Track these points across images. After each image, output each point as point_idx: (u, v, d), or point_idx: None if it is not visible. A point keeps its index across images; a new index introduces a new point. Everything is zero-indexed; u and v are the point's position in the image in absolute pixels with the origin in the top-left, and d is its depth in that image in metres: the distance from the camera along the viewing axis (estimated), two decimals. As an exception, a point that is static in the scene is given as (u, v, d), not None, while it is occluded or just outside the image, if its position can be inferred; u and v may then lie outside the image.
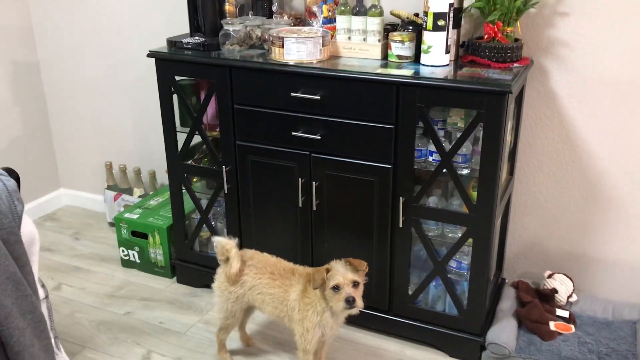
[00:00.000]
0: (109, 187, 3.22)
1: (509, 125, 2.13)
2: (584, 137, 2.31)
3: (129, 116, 3.18)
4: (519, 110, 2.30)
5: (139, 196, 3.15)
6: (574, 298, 2.38)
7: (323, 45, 2.20)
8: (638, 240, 2.35)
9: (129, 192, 3.19)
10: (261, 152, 2.33)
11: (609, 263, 2.43)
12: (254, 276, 2.06)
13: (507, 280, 2.53)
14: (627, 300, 2.39)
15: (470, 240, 2.13)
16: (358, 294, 1.89)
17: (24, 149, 3.30)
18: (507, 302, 2.36)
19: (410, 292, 2.31)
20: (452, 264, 2.27)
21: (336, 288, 1.87)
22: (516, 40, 2.14)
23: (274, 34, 2.21)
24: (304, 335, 1.99)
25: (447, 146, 2.07)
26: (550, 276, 2.42)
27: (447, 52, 2.11)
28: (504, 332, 2.19)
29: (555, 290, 2.36)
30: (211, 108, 2.45)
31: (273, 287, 2.03)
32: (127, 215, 2.83)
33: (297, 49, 2.17)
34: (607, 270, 2.45)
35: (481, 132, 1.97)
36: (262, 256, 2.14)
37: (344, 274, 1.87)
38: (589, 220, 2.41)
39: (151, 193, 3.14)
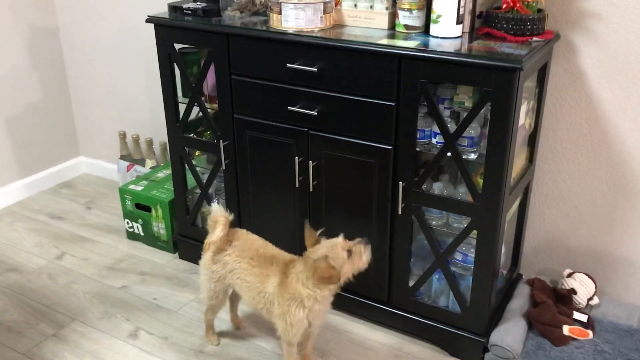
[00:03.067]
0: (122, 157, 3.17)
1: (525, 106, 1.90)
2: (614, 122, 2.05)
3: (144, 85, 3.10)
4: (542, 90, 2.06)
5: (151, 167, 3.08)
6: (595, 301, 2.16)
7: (325, 13, 2.03)
8: (672, 241, 2.10)
9: (142, 162, 3.12)
10: (259, 127, 2.19)
11: (638, 265, 2.18)
12: (235, 258, 1.94)
13: (523, 277, 2.32)
14: (656, 307, 2.15)
15: (475, 231, 1.94)
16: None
17: (43, 115, 3.29)
18: (519, 300, 2.16)
19: (411, 284, 2.14)
20: (458, 256, 2.08)
21: (349, 252, 1.78)
22: (539, 11, 1.90)
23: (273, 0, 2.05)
24: (287, 329, 1.86)
25: (453, 127, 1.87)
26: (570, 275, 2.19)
27: (460, 22, 1.90)
28: (509, 333, 2.00)
29: (573, 291, 2.14)
30: (212, 79, 2.33)
31: (250, 275, 1.91)
32: (132, 186, 2.77)
33: (296, 16, 2.00)
34: (635, 273, 2.20)
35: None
36: (249, 238, 2.01)
37: (339, 242, 1.79)
38: (617, 216, 2.16)
39: (162, 165, 3.06)
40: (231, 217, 1.98)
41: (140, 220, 2.76)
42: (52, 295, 2.45)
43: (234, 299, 2.20)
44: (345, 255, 1.78)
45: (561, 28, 2.02)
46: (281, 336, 1.90)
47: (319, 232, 1.85)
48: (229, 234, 1.99)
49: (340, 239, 1.80)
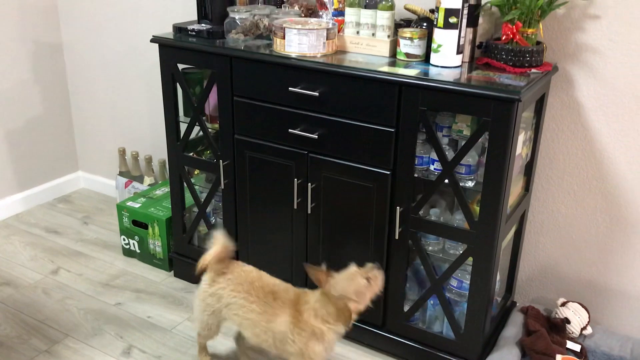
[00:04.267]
0: (120, 173, 3.18)
1: (523, 136, 1.93)
2: (610, 154, 2.08)
3: (145, 102, 3.13)
4: (539, 120, 2.09)
5: (149, 184, 3.10)
6: (589, 331, 2.16)
7: (328, 39, 2.06)
8: (665, 273, 2.12)
9: (140, 179, 3.13)
10: (259, 148, 2.21)
11: (632, 296, 2.20)
12: (230, 292, 1.90)
13: (517, 304, 2.32)
14: (649, 338, 2.16)
15: (471, 258, 1.95)
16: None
17: (43, 129, 3.30)
18: (513, 328, 2.17)
19: (406, 309, 2.14)
20: (453, 282, 2.09)
21: (367, 279, 1.78)
22: (538, 43, 1.94)
23: (277, 24, 2.08)
24: None
25: (451, 155, 1.90)
26: (564, 304, 2.20)
27: (460, 52, 1.93)
28: (503, 361, 2.00)
29: (567, 320, 2.15)
30: (214, 99, 2.35)
31: (251, 312, 1.86)
32: (129, 203, 2.77)
33: (299, 41, 2.03)
34: (629, 304, 2.21)
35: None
36: (243, 270, 1.95)
37: (357, 271, 1.80)
38: (612, 247, 2.18)
39: (160, 182, 3.08)
40: (232, 246, 1.94)
41: (136, 237, 2.77)
42: (46, 310, 2.44)
43: (240, 341, 2.14)
44: (366, 283, 1.77)
45: (559, 60, 2.06)
46: None
47: (322, 266, 1.84)
48: (225, 263, 1.95)
49: (355, 268, 1.80)
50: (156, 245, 2.72)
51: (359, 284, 1.76)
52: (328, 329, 1.80)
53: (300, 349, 1.81)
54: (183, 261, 2.64)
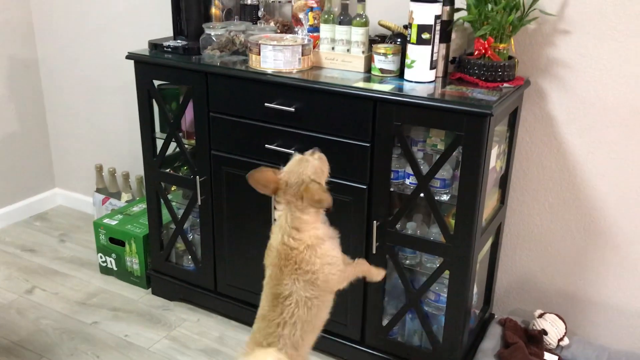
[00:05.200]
0: (98, 190, 3.15)
1: (496, 149, 1.95)
2: (583, 167, 2.11)
3: (122, 118, 3.11)
4: (512, 134, 2.12)
5: (127, 201, 3.07)
6: (566, 342, 2.18)
7: (303, 55, 2.07)
8: (639, 286, 2.14)
9: (118, 196, 3.11)
10: (236, 164, 2.21)
11: (607, 307, 2.22)
12: None
13: (496, 316, 2.33)
14: (625, 349, 2.17)
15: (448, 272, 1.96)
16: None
17: (20, 146, 3.26)
18: (491, 341, 2.17)
19: (384, 323, 2.14)
20: (431, 296, 2.10)
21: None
22: (510, 58, 1.97)
23: (253, 40, 2.09)
24: (335, 275, 1.65)
25: (426, 169, 1.91)
26: (541, 316, 2.22)
27: (433, 67, 1.96)
28: (481, 374, 2.01)
29: (544, 332, 2.16)
30: (190, 115, 2.35)
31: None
32: (106, 220, 2.75)
33: (274, 57, 2.04)
34: (604, 315, 2.24)
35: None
36: None
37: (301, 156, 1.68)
38: (587, 258, 2.21)
39: (137, 199, 3.05)
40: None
41: (113, 255, 2.74)
42: (20, 331, 2.40)
43: None
44: (317, 162, 1.67)
45: (531, 74, 2.09)
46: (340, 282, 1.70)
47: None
48: None
49: (299, 154, 1.69)
50: (133, 262, 2.69)
51: (312, 163, 1.65)
52: (313, 227, 1.64)
53: (323, 276, 1.63)
54: (161, 278, 2.62)
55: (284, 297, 1.64)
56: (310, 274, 1.63)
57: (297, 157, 1.69)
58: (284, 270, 1.64)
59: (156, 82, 2.35)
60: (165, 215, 2.54)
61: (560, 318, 2.19)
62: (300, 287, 1.63)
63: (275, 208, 1.70)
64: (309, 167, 1.65)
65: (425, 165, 1.95)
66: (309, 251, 1.62)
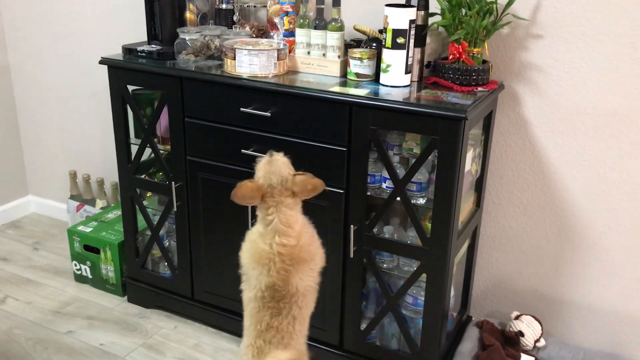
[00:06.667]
0: (72, 197, 3.11)
1: (472, 152, 1.97)
2: (556, 169, 2.14)
3: (95, 124, 3.07)
4: (487, 137, 2.14)
5: (101, 208, 3.03)
6: (542, 343, 2.20)
7: (279, 59, 2.07)
8: (612, 286, 2.17)
9: (92, 202, 3.06)
10: (212, 169, 2.19)
11: (582, 307, 2.25)
12: None
13: (473, 319, 2.35)
14: (599, 349, 2.20)
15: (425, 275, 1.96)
16: None
17: (-11, 153, 3.21)
18: (469, 343, 2.18)
19: (362, 327, 2.14)
20: (408, 299, 2.10)
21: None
22: (484, 62, 1.99)
23: (228, 45, 2.08)
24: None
25: (402, 173, 1.91)
26: (517, 317, 2.24)
27: (408, 72, 1.97)
28: (459, 377, 2.01)
29: (521, 333, 2.18)
30: (165, 120, 2.33)
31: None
32: (80, 227, 2.71)
33: (250, 62, 2.03)
34: (579, 315, 2.26)
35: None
36: None
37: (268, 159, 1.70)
38: (562, 259, 2.23)
39: (112, 205, 3.01)
40: None
41: (88, 262, 2.70)
42: (-8, 341, 2.36)
43: None
44: (284, 159, 1.70)
45: (505, 78, 2.11)
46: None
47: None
48: None
49: (263, 158, 1.71)
50: (109, 270, 2.66)
51: (282, 160, 1.68)
52: (299, 220, 1.70)
53: (319, 258, 1.74)
54: (137, 286, 2.58)
55: (291, 295, 1.68)
56: (310, 260, 1.70)
57: (263, 160, 1.71)
58: (290, 270, 1.67)
59: (130, 88, 2.33)
60: (141, 221, 2.51)
61: (537, 319, 2.21)
62: (305, 277, 1.69)
63: (256, 214, 1.72)
64: (282, 164, 1.68)
65: (402, 169, 1.96)
66: (303, 238, 1.69)
